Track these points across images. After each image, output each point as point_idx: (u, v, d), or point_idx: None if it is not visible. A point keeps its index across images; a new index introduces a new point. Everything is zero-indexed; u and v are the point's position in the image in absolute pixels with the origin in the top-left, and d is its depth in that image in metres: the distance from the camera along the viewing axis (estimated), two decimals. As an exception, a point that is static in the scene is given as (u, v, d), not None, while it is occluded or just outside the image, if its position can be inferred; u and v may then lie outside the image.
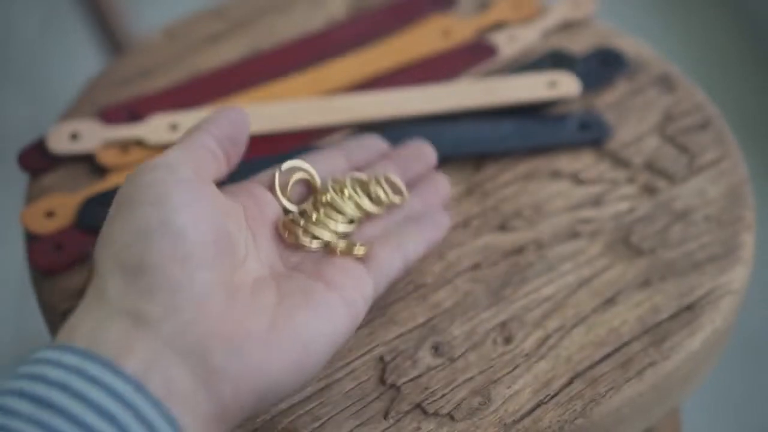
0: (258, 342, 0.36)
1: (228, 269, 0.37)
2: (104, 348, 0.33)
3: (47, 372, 0.32)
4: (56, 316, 0.47)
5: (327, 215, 0.43)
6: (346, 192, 0.44)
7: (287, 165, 0.44)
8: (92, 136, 0.53)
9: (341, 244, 0.42)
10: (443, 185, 0.48)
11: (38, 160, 0.53)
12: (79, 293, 0.47)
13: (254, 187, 0.43)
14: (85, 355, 0.33)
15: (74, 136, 0.53)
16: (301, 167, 0.44)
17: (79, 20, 1.28)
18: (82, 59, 1.31)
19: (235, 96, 0.55)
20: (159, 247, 0.35)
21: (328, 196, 0.44)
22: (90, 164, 0.53)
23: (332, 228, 0.43)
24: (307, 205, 0.44)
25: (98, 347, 0.33)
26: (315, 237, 0.42)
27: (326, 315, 0.38)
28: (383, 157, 0.48)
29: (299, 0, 0.63)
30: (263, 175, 0.44)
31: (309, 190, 0.45)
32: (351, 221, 0.44)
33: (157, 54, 0.60)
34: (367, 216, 0.45)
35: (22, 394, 0.32)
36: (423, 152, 0.48)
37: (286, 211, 0.43)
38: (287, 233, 0.42)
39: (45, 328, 0.49)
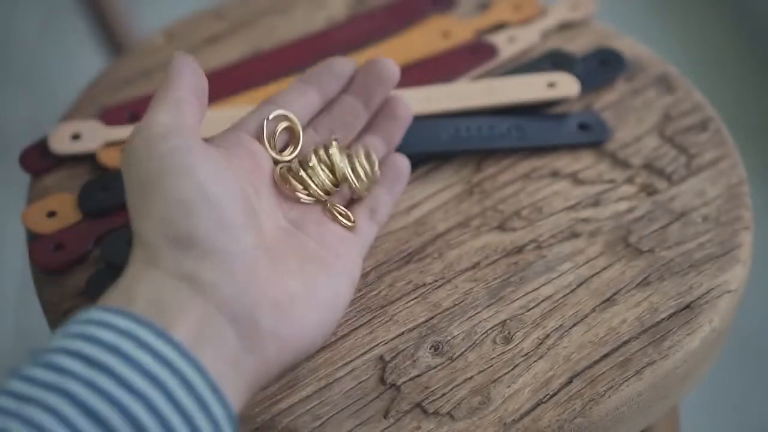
0: (300, 304, 0.39)
1: (259, 232, 0.39)
2: (162, 313, 0.35)
3: (101, 334, 0.33)
4: (57, 315, 0.47)
5: (321, 169, 0.45)
6: (336, 158, 0.45)
7: (274, 114, 0.45)
8: (93, 136, 0.53)
9: (336, 210, 0.45)
10: (402, 109, 0.49)
11: (39, 160, 0.53)
12: (81, 293, 0.47)
13: (244, 138, 0.44)
14: (137, 320, 0.34)
15: (75, 137, 0.53)
16: (285, 115, 0.46)
17: (79, 21, 1.28)
18: (82, 60, 1.32)
19: (235, 96, 0.56)
20: (203, 217, 0.37)
21: (322, 154, 0.45)
22: (91, 164, 0.53)
23: (322, 184, 0.45)
24: (301, 157, 0.46)
25: (156, 312, 0.35)
26: (310, 195, 0.44)
27: (338, 281, 0.41)
28: (349, 90, 0.49)
29: (299, 0, 0.63)
30: (247, 124, 0.45)
31: (291, 136, 0.46)
32: (336, 184, 0.46)
33: (157, 54, 0.60)
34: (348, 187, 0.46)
35: (76, 354, 0.33)
36: (385, 72, 0.48)
37: (276, 162, 0.45)
38: (287, 185, 0.44)
39: (46, 328, 0.49)
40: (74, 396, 0.32)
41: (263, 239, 0.39)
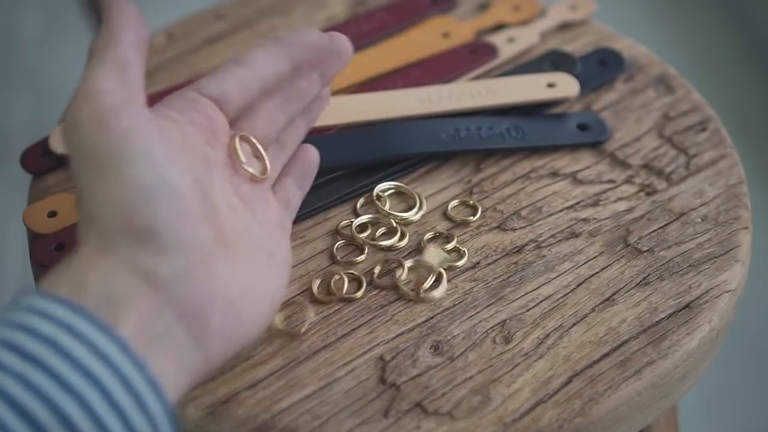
0: (248, 300, 0.38)
1: (214, 221, 0.38)
2: (112, 307, 0.34)
3: (39, 325, 0.32)
4: (58, 315, 0.47)
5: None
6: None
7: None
8: (94, 136, 0.53)
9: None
10: (326, 92, 0.47)
11: (40, 160, 0.53)
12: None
13: (201, 101, 0.42)
14: (81, 312, 0.33)
15: (76, 137, 0.53)
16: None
17: (81, 22, 1.28)
18: (83, 60, 1.31)
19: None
20: (165, 206, 0.35)
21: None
22: (92, 164, 0.53)
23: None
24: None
25: (105, 306, 0.33)
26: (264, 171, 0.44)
27: (280, 273, 0.41)
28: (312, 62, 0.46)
29: (299, 1, 0.64)
30: (208, 86, 0.43)
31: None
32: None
33: (157, 55, 0.60)
34: None
35: (11, 346, 0.32)
36: (342, 46, 0.46)
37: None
38: (243, 159, 0.43)
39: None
40: (3, 390, 0.31)
41: (218, 227, 0.38)
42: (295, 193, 0.46)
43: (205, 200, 0.38)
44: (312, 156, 0.47)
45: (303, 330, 0.44)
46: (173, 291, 0.35)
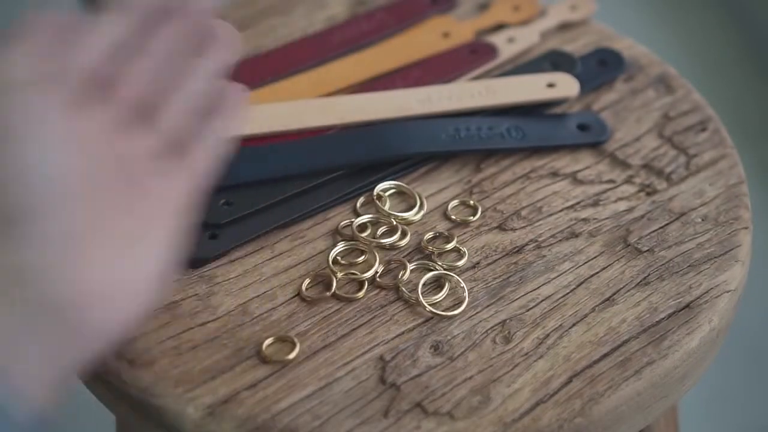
0: (132, 288, 0.35)
1: (94, 205, 0.34)
2: None
3: None
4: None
5: None
6: None
7: None
8: (94, 136, 0.53)
9: None
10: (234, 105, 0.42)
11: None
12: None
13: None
14: None
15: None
16: None
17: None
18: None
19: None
20: (41, 190, 0.33)
21: None
22: (92, 164, 0.53)
23: None
24: None
25: None
26: None
27: (165, 251, 0.36)
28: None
29: (299, 1, 0.64)
30: None
31: None
32: None
33: (158, 55, 0.60)
34: None
35: None
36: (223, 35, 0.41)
37: None
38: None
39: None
40: None
41: (103, 218, 0.34)
42: None
43: (89, 183, 0.34)
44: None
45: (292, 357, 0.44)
46: (40, 285, 0.32)
